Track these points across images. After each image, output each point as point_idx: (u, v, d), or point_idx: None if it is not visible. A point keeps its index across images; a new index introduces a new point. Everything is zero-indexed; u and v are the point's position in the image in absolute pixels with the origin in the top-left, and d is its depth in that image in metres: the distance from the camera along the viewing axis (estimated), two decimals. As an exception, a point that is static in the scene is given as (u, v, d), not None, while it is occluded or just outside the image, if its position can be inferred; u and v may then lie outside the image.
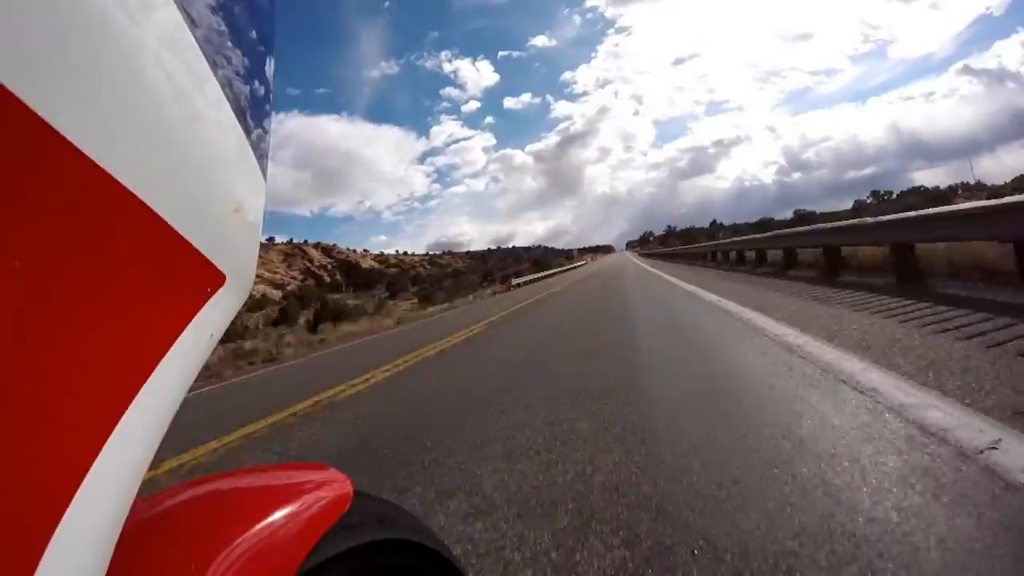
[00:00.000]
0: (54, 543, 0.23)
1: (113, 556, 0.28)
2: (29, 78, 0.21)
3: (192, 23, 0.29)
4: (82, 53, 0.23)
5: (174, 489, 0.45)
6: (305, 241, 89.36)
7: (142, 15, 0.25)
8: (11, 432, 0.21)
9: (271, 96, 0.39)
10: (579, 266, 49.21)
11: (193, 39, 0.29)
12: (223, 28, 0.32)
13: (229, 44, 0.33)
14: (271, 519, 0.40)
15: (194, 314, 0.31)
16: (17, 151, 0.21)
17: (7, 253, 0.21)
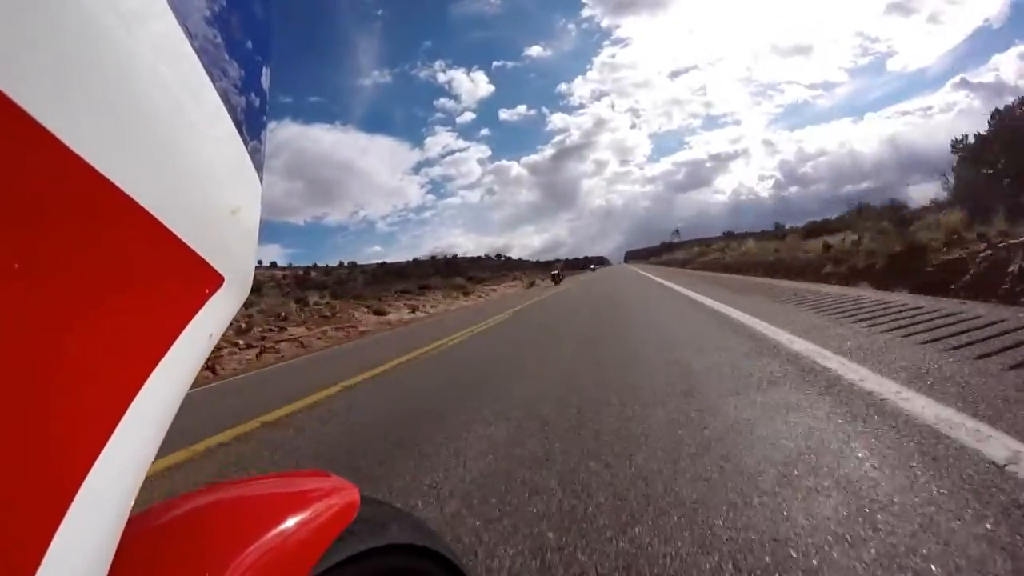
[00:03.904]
0: (55, 544, 0.23)
1: (122, 565, 0.29)
2: (31, 87, 0.21)
3: (189, 34, 0.29)
4: (83, 62, 0.23)
5: (181, 498, 0.46)
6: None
7: (142, 26, 0.26)
8: (11, 434, 0.22)
9: (267, 103, 0.40)
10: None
11: (191, 49, 0.30)
12: (219, 39, 0.33)
13: (226, 54, 0.33)
14: (282, 526, 0.41)
15: (193, 315, 0.32)
16: (17, 156, 0.21)
17: (8, 255, 0.21)
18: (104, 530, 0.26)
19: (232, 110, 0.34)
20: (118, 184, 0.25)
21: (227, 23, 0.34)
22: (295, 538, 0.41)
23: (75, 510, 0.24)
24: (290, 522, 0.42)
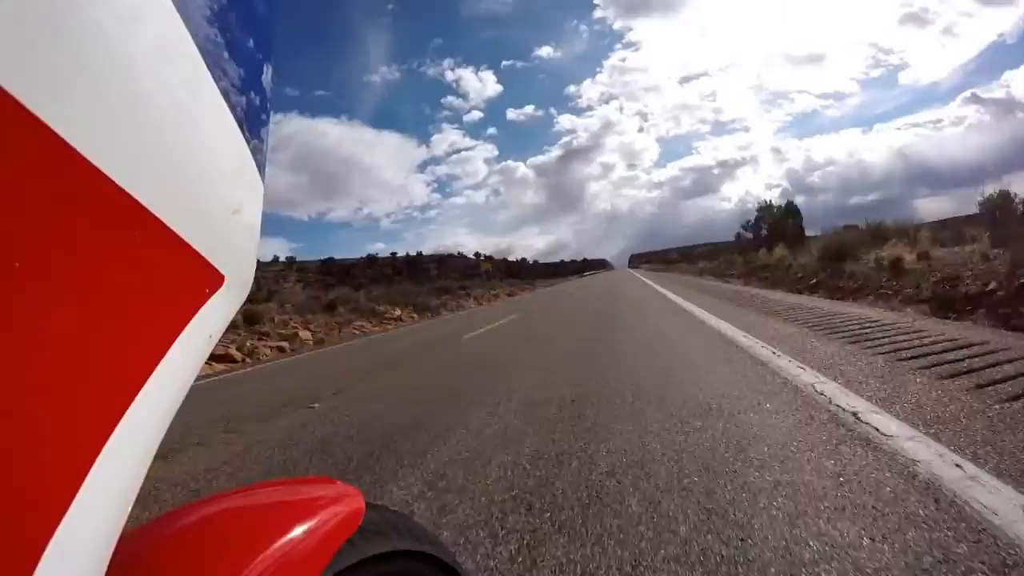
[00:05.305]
0: (54, 542, 0.23)
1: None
2: (34, 86, 0.21)
3: (191, 33, 0.29)
4: (85, 62, 0.23)
5: (188, 507, 0.46)
6: None
7: (145, 25, 0.26)
8: (11, 434, 0.21)
9: (268, 102, 0.40)
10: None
11: (193, 48, 0.29)
12: (221, 38, 0.32)
13: (227, 53, 0.33)
14: (289, 535, 0.41)
15: (193, 315, 0.31)
16: (19, 155, 0.21)
17: (8, 255, 0.21)
18: (103, 529, 0.26)
19: (233, 109, 0.34)
20: (120, 183, 0.25)
21: (228, 22, 0.33)
22: (302, 546, 0.41)
23: (75, 509, 0.24)
24: (297, 530, 0.41)
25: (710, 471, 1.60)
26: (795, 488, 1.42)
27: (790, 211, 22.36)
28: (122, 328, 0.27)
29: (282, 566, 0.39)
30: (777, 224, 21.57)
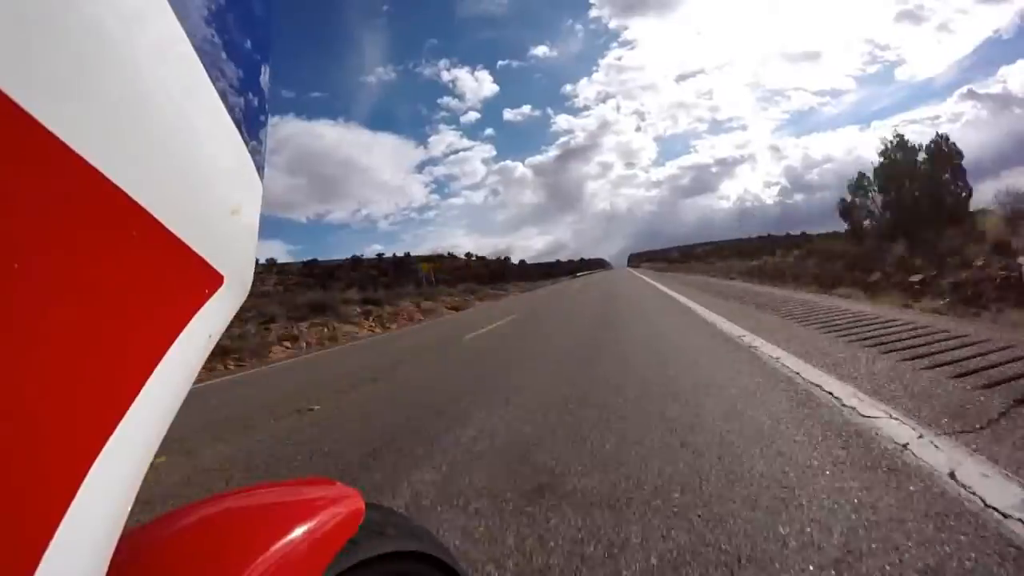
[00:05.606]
0: (55, 541, 0.23)
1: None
2: (32, 87, 0.21)
3: (189, 34, 0.29)
4: (83, 63, 0.23)
5: (189, 507, 0.46)
6: None
7: (142, 26, 0.26)
8: (12, 433, 0.22)
9: (266, 103, 0.40)
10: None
11: (190, 49, 0.30)
12: (219, 38, 0.33)
13: (225, 54, 0.33)
14: (289, 536, 0.41)
15: (193, 315, 0.31)
16: (17, 156, 0.21)
17: (7, 255, 0.21)
18: (104, 529, 0.26)
19: (231, 110, 0.34)
20: (119, 185, 0.25)
21: (226, 23, 0.33)
22: (302, 547, 0.41)
23: (75, 509, 0.24)
24: (297, 532, 0.41)
25: None
26: None
27: (948, 157, 10.24)
28: (122, 328, 0.27)
29: (282, 567, 0.39)
30: (923, 186, 10.12)
